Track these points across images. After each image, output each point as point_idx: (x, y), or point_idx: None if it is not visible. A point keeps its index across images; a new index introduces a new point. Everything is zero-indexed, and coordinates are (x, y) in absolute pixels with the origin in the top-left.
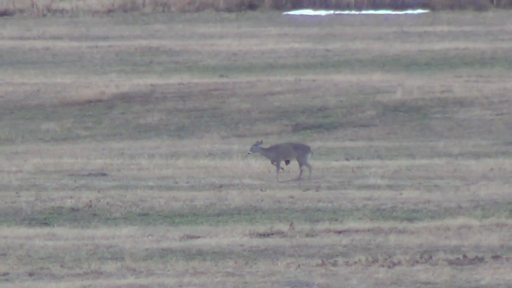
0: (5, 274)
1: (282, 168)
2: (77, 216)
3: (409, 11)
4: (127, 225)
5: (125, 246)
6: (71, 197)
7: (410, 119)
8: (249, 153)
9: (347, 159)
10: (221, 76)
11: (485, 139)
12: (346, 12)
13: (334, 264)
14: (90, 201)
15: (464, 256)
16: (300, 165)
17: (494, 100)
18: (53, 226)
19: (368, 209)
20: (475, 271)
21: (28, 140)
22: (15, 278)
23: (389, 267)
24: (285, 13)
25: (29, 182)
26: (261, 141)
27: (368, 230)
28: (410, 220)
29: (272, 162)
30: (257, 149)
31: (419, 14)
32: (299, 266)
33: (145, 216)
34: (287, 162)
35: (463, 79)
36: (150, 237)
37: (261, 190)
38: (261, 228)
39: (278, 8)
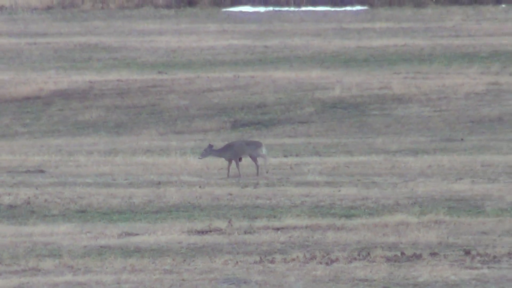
0: None
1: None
2: (15, 213)
3: (348, 8)
4: (65, 222)
5: (63, 243)
6: (9, 194)
7: (349, 116)
8: (199, 158)
9: (285, 156)
10: (159, 72)
11: (423, 136)
12: (285, 8)
13: (272, 261)
14: (28, 198)
15: (402, 253)
16: (254, 161)
17: (433, 96)
18: None
19: (306, 206)
20: (413, 268)
21: None
22: None
23: (327, 264)
24: (224, 9)
25: None
26: (212, 145)
27: (306, 227)
28: (348, 217)
29: (229, 161)
30: (209, 153)
31: (358, 11)
32: (237, 263)
33: (83, 213)
34: (240, 159)
35: (402, 76)
36: (88, 234)
37: (200, 187)
38: (199, 225)
39: (217, 4)
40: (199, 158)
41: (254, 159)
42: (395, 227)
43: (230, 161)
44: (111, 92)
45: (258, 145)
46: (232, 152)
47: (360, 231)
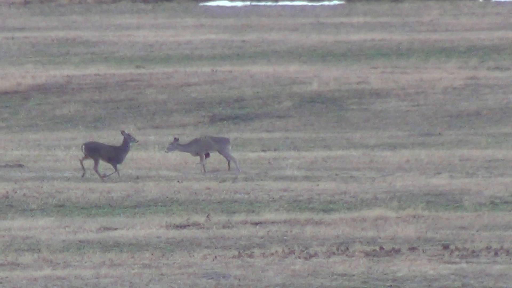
0: None
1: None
2: None
3: (325, 2)
4: (43, 217)
5: (41, 237)
6: None
7: (327, 110)
8: (166, 151)
9: (263, 150)
10: (137, 67)
11: (401, 130)
12: (263, 3)
13: (251, 255)
14: (7, 192)
15: (381, 248)
16: (225, 157)
17: (410, 91)
18: None
19: (284, 201)
20: (392, 263)
21: None
22: None
23: (305, 258)
24: (201, 4)
25: None
26: (178, 138)
27: (285, 222)
28: (326, 211)
29: (195, 155)
30: (174, 147)
31: (335, 5)
32: (215, 257)
33: (62, 208)
34: (207, 155)
35: (379, 70)
36: (66, 229)
37: (178, 181)
38: (178, 220)
39: None
40: (165, 151)
41: (224, 156)
42: (373, 222)
43: (200, 156)
44: (89, 87)
45: (226, 142)
46: (197, 147)
47: (338, 226)
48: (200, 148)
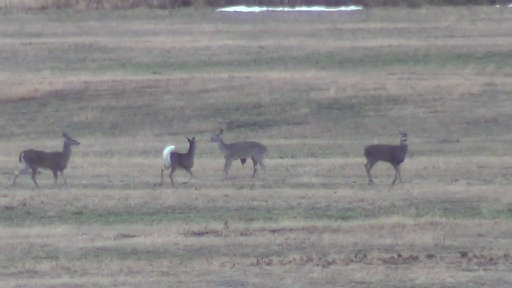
0: None
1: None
2: (11, 214)
3: (343, 8)
4: (61, 224)
5: (59, 245)
6: (5, 196)
7: (344, 117)
8: (208, 140)
9: (281, 157)
10: (154, 73)
11: (418, 137)
12: (280, 8)
13: (269, 263)
14: (25, 199)
15: (399, 255)
16: (255, 163)
17: (428, 97)
18: None
19: (302, 208)
20: (410, 270)
21: None
22: None
23: (323, 266)
24: (218, 9)
25: None
26: (222, 131)
27: (303, 229)
28: (344, 218)
29: (227, 159)
30: (218, 139)
31: (352, 11)
32: (234, 265)
33: (79, 215)
34: (243, 161)
35: (397, 76)
36: (84, 236)
37: (196, 188)
38: (196, 227)
39: (212, 4)
40: (208, 140)
41: (255, 162)
42: (391, 229)
43: (227, 162)
44: (106, 93)
45: (262, 149)
46: (231, 152)
47: (356, 233)
48: (233, 152)
